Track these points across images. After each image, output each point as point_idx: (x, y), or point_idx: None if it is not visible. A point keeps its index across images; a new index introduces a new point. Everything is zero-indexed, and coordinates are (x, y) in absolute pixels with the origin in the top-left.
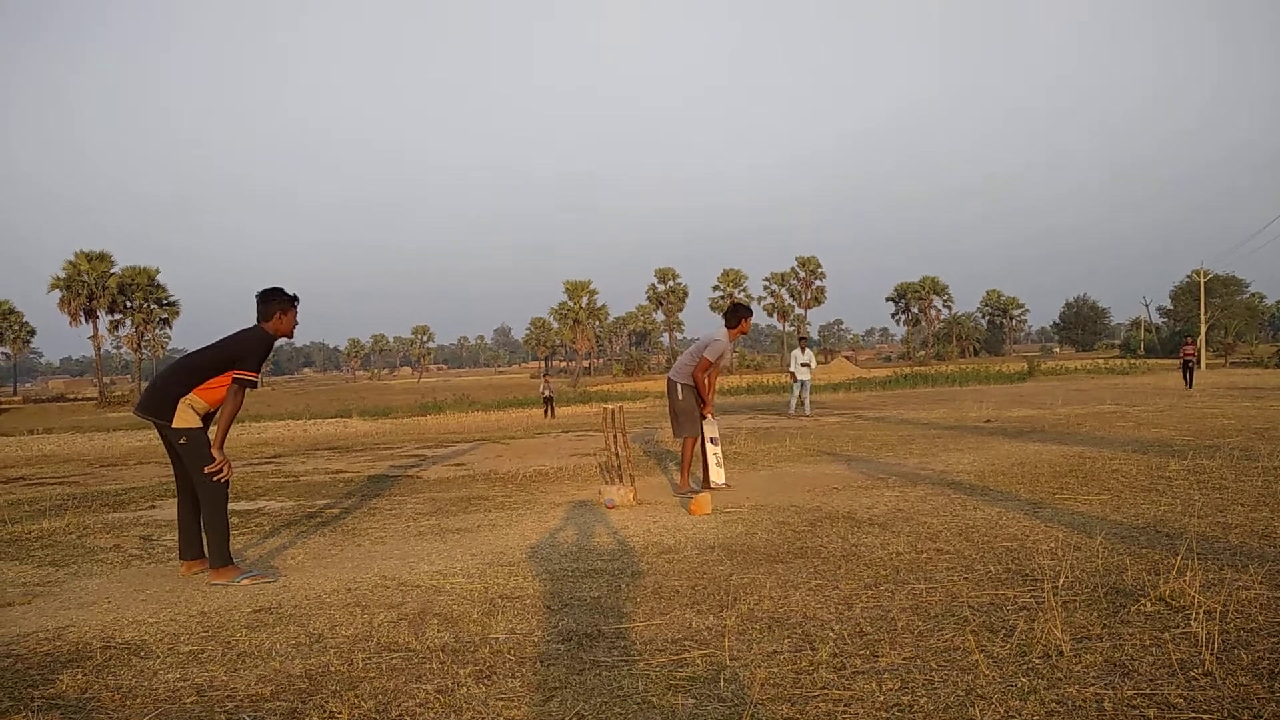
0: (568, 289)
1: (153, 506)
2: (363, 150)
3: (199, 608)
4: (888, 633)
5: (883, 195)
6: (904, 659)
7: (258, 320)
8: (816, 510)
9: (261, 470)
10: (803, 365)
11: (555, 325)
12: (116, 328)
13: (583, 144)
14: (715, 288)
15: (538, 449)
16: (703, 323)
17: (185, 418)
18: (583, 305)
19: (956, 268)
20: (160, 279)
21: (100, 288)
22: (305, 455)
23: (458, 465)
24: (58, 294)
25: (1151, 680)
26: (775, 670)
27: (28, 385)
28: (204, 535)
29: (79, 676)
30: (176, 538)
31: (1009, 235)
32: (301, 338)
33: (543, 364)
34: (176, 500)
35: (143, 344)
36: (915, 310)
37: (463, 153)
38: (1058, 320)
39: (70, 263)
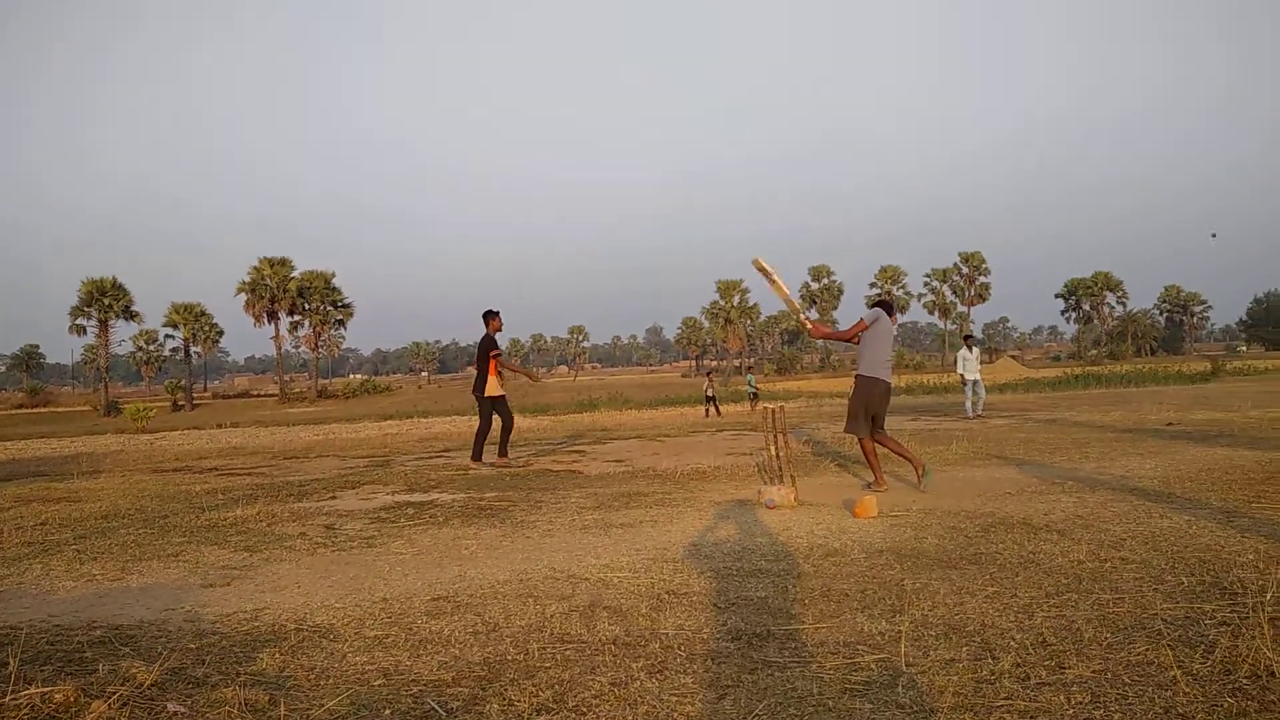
0: (720, 288)
1: (333, 498)
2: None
3: (381, 594)
4: (1073, 644)
5: (1051, 189)
6: (1093, 672)
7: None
8: (989, 515)
9: (433, 464)
10: (971, 365)
11: (706, 324)
12: (296, 328)
13: (745, 141)
14: (872, 284)
15: (693, 447)
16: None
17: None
18: (734, 304)
19: (1130, 263)
20: (336, 282)
21: (281, 291)
22: None
23: (617, 461)
24: (243, 297)
25: None
26: (955, 678)
27: (216, 382)
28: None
29: (277, 656)
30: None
31: (1187, 225)
32: (467, 338)
33: (714, 363)
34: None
35: (319, 344)
36: (1087, 307)
37: (634, 156)
38: (1244, 317)
39: (255, 268)
